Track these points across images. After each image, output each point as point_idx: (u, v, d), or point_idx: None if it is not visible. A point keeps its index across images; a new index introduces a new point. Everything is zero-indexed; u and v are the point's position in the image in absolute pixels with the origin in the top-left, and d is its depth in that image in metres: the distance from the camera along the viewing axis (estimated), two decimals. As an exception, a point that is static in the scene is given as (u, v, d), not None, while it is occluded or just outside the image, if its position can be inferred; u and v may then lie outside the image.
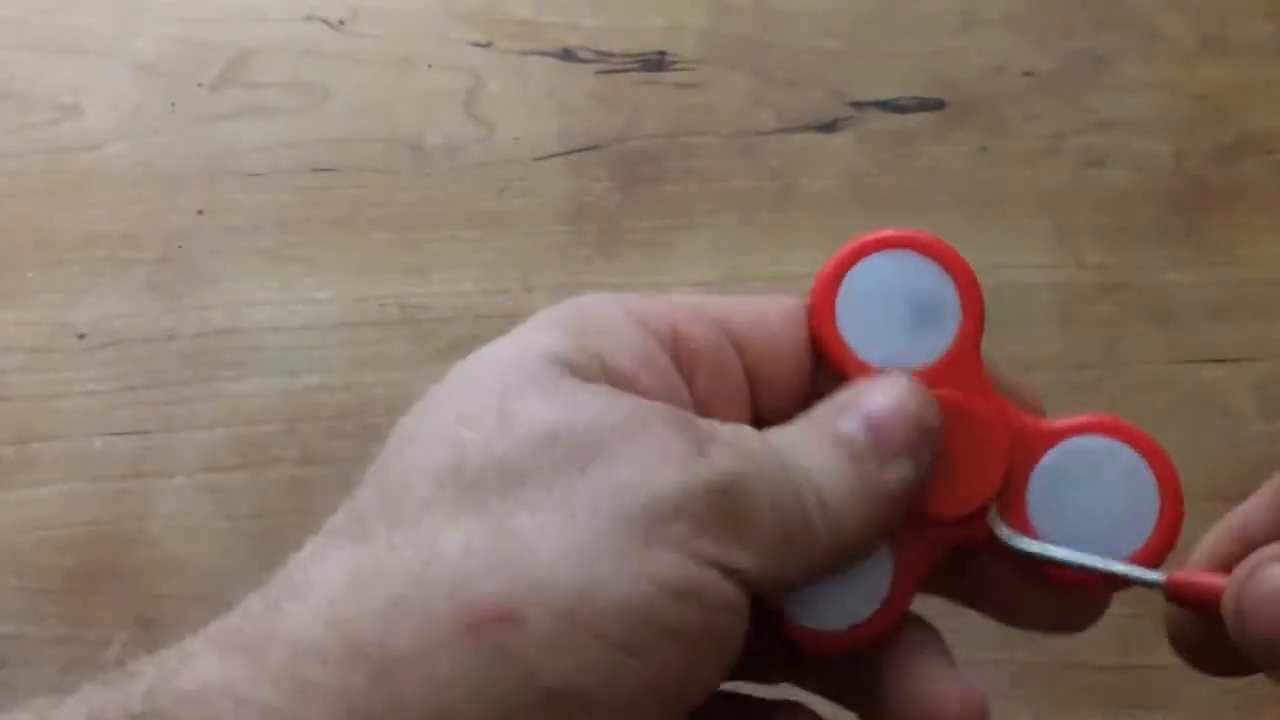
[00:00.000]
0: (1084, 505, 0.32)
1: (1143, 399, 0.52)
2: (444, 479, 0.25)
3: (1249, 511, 0.33)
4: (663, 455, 0.25)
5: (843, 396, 0.30)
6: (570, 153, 0.56)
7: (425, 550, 0.24)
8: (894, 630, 0.30)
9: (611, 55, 0.58)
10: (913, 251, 0.33)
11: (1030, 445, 0.32)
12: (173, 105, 0.57)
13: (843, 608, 0.30)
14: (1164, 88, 0.57)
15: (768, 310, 0.31)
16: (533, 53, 0.58)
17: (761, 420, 0.30)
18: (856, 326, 0.32)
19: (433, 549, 0.24)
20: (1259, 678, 0.49)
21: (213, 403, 0.53)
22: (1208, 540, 0.32)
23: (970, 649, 0.49)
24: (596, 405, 0.26)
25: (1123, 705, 0.48)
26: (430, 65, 0.58)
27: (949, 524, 0.30)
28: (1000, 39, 0.58)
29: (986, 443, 0.31)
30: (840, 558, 0.28)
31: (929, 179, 0.56)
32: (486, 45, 0.58)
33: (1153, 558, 0.32)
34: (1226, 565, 0.31)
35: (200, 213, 0.55)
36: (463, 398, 0.27)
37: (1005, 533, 0.31)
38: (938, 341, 0.32)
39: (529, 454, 0.25)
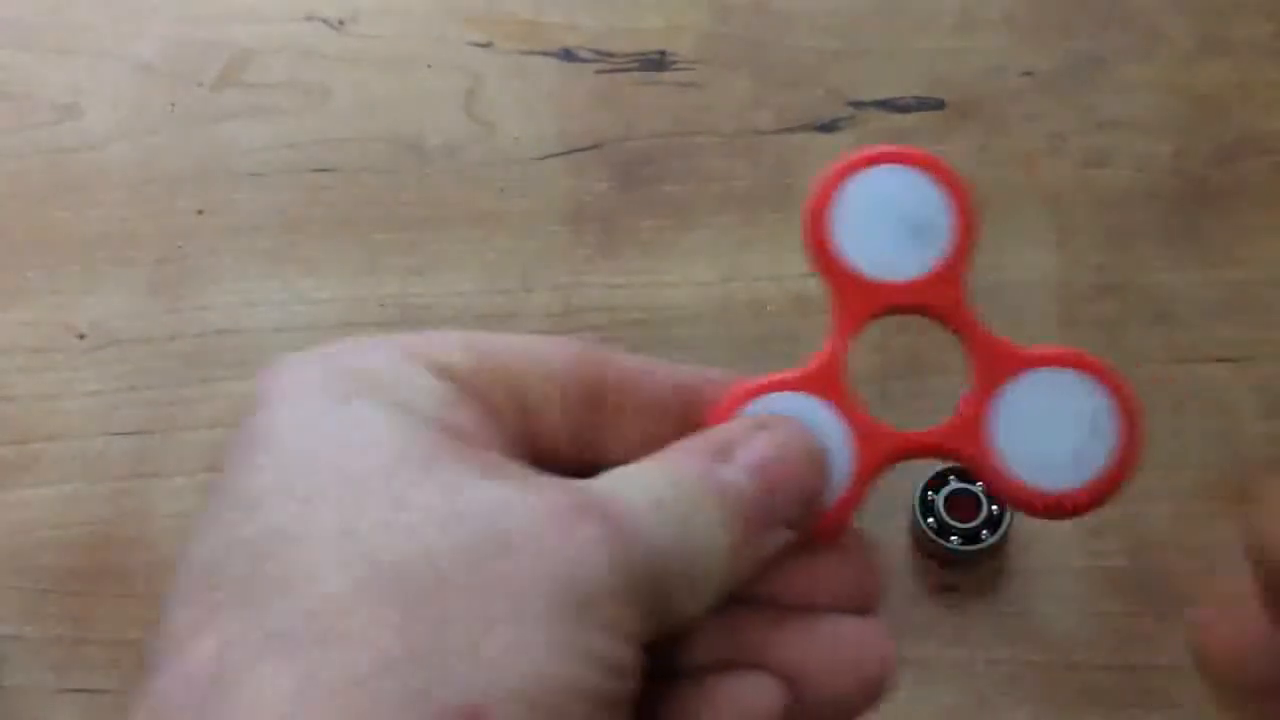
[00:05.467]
0: (1044, 433, 0.33)
1: (1143, 399, 0.52)
2: (361, 580, 0.24)
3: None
4: (582, 543, 0.26)
5: (723, 435, 0.30)
6: (570, 152, 0.56)
7: (367, 660, 0.24)
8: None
9: (611, 55, 0.58)
10: (911, 167, 0.34)
11: (999, 368, 0.33)
12: (172, 105, 0.57)
13: None
14: (1164, 88, 0.57)
15: (548, 352, 0.31)
16: (532, 53, 0.58)
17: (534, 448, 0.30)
18: (850, 236, 0.33)
19: (377, 657, 0.24)
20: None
21: (213, 403, 0.53)
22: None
23: (970, 649, 0.50)
24: (495, 489, 0.26)
25: (1123, 705, 0.48)
26: (430, 65, 0.58)
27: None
28: (1000, 39, 0.58)
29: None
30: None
31: (929, 179, 0.56)
32: (486, 45, 0.58)
33: (1107, 488, 0.33)
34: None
35: (200, 213, 0.55)
36: (341, 487, 0.26)
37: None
38: (927, 255, 0.34)
39: (447, 547, 0.25)
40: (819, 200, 0.34)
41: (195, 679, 0.24)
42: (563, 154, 0.56)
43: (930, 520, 0.49)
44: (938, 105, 0.57)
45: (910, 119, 0.57)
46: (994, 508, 0.49)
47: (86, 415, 0.53)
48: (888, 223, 0.34)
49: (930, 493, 0.49)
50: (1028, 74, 0.57)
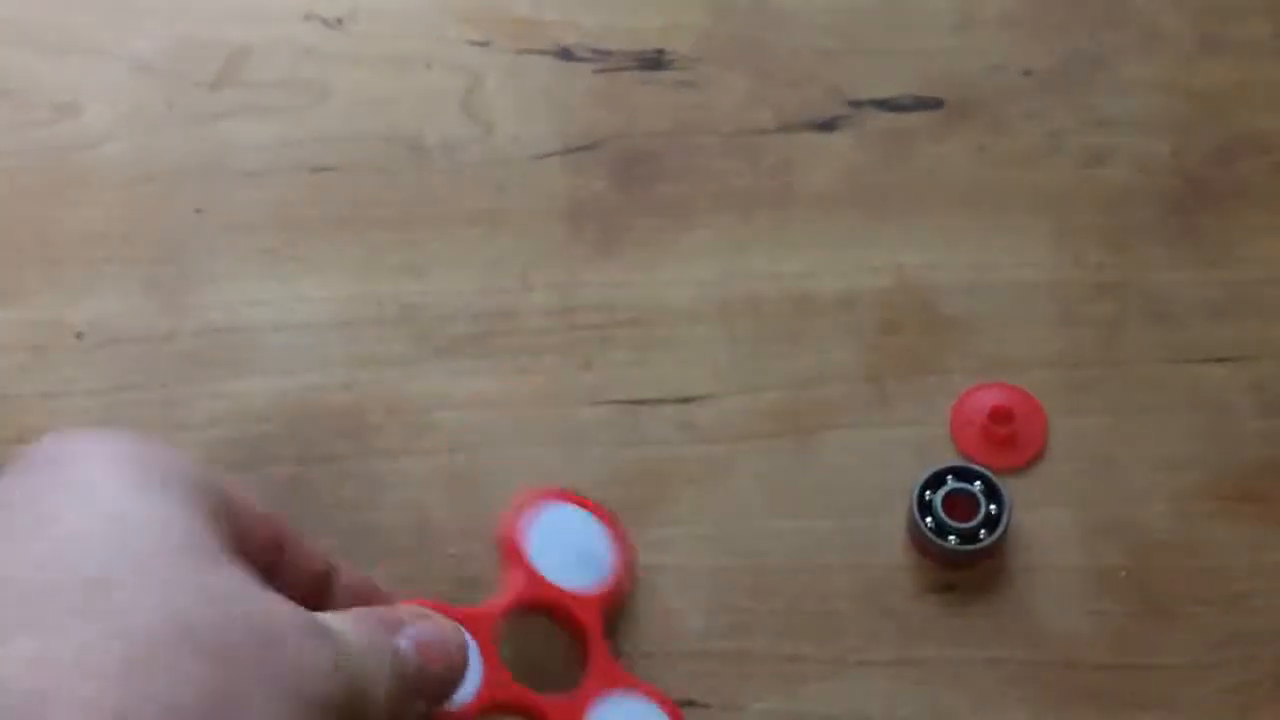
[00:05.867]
0: None
1: (1142, 398, 0.52)
2: (174, 629, 0.30)
3: None
4: (327, 653, 0.33)
5: (398, 613, 0.38)
6: (568, 151, 0.56)
7: (169, 693, 0.29)
8: None
9: (610, 54, 0.58)
10: (585, 511, 0.47)
11: (604, 679, 0.44)
12: (170, 104, 0.57)
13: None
14: (1164, 87, 0.57)
15: (252, 502, 0.39)
16: (531, 52, 0.58)
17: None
18: (536, 542, 0.45)
19: (178, 696, 0.29)
20: (1259, 674, 0.49)
21: (212, 402, 0.53)
22: None
23: (968, 648, 0.50)
24: (264, 593, 0.33)
25: (1122, 705, 0.48)
26: (428, 64, 0.58)
27: None
28: (999, 38, 0.58)
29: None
30: None
31: (927, 178, 0.56)
32: (484, 44, 0.58)
33: None
34: None
35: (198, 212, 0.55)
36: (156, 556, 0.32)
37: None
38: (588, 578, 0.45)
39: (240, 627, 0.31)
40: (514, 513, 0.45)
41: (7, 683, 0.28)
42: (561, 153, 0.56)
43: (928, 519, 0.49)
44: (936, 105, 0.57)
45: (909, 118, 0.57)
46: (992, 507, 0.49)
47: (84, 414, 0.52)
48: (564, 544, 0.45)
49: (928, 492, 0.49)
50: (1027, 73, 0.57)
